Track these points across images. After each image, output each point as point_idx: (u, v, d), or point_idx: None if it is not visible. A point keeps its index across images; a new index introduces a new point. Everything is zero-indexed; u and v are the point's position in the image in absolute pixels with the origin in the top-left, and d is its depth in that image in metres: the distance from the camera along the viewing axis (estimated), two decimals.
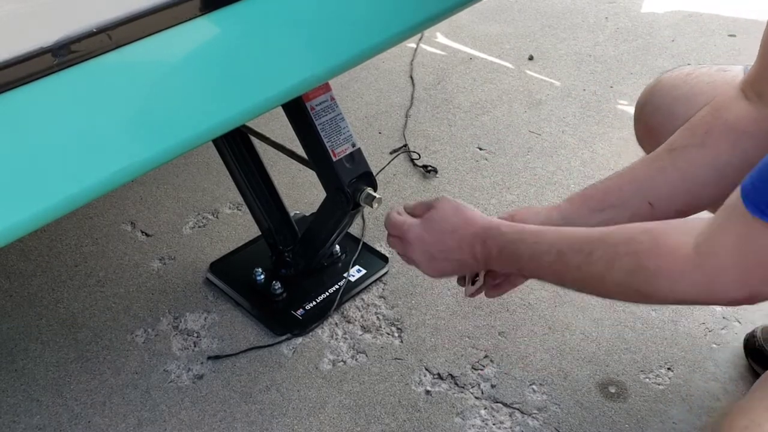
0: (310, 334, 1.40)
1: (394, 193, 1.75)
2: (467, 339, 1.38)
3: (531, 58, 2.32)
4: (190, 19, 0.76)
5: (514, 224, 0.94)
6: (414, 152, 1.86)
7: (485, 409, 1.26)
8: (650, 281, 0.76)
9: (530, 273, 0.92)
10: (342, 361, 1.35)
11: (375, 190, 1.24)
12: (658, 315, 1.42)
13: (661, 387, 1.29)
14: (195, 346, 1.38)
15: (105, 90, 0.72)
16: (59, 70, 0.67)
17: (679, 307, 1.43)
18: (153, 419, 1.25)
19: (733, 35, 2.41)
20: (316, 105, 1.19)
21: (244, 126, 1.35)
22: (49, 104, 0.68)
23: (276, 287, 1.42)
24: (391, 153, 1.87)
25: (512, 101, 2.10)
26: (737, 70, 1.01)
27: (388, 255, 1.55)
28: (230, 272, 1.51)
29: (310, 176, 1.39)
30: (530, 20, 2.55)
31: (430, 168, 1.81)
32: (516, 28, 2.51)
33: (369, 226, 1.64)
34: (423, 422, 1.24)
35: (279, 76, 0.87)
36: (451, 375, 1.32)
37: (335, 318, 1.43)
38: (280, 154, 1.37)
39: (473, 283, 1.02)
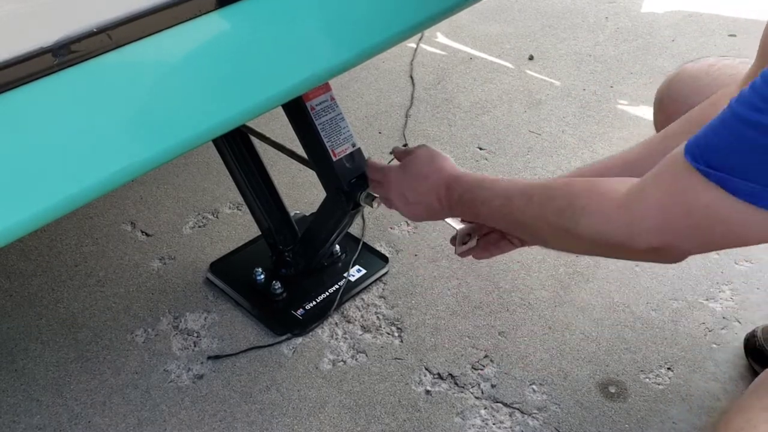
0: (310, 334, 1.40)
1: None
2: (467, 339, 1.38)
3: (531, 57, 2.32)
4: (190, 18, 0.75)
5: (477, 174, 1.02)
6: None
7: (485, 408, 1.26)
8: (577, 219, 0.79)
9: (484, 218, 0.98)
10: (342, 361, 1.35)
11: None
12: (658, 315, 1.42)
13: (661, 387, 1.29)
14: (195, 345, 1.38)
15: (105, 90, 0.72)
16: (59, 70, 0.67)
17: (680, 307, 1.43)
18: (153, 419, 1.25)
19: (733, 35, 2.41)
20: (316, 105, 1.19)
21: (244, 126, 1.35)
22: (49, 104, 0.68)
23: (276, 287, 1.42)
24: (391, 153, 1.87)
25: (512, 101, 2.10)
26: None
27: (388, 255, 1.55)
28: (230, 272, 1.51)
29: (310, 176, 1.39)
30: (530, 20, 2.55)
31: None
32: (516, 28, 2.51)
33: (369, 226, 1.64)
34: (423, 422, 1.24)
35: (279, 76, 0.87)
36: (451, 375, 1.32)
37: (335, 318, 1.43)
38: (280, 154, 1.37)
39: (464, 243, 1.09)
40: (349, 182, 1.21)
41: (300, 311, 1.41)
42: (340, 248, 1.51)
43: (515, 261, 1.54)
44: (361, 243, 1.56)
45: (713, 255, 1.54)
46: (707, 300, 1.45)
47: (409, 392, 1.29)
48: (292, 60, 0.87)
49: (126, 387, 1.31)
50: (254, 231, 1.55)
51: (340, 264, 1.51)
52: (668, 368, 1.32)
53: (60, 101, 0.69)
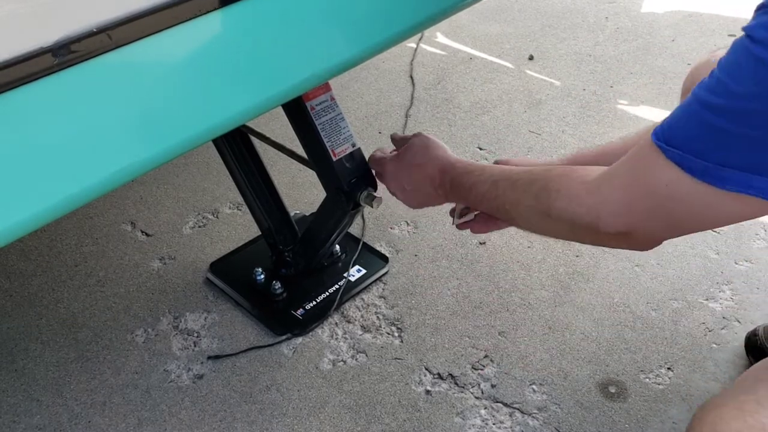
0: (310, 333, 1.40)
1: None
2: (467, 339, 1.38)
3: (531, 57, 2.32)
4: (190, 18, 0.75)
5: (468, 161, 1.05)
6: None
7: (485, 408, 1.26)
8: (551, 201, 0.83)
9: (473, 202, 1.02)
10: (342, 360, 1.35)
11: (375, 190, 1.24)
12: (658, 315, 1.42)
13: (661, 387, 1.29)
14: (195, 345, 1.38)
15: (105, 90, 0.72)
16: (59, 70, 0.67)
17: (680, 307, 1.43)
18: (153, 419, 1.25)
19: (734, 35, 2.40)
20: (316, 105, 1.19)
21: (244, 126, 1.35)
22: (49, 104, 0.68)
23: (276, 287, 1.42)
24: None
25: (512, 101, 2.10)
26: None
27: (388, 255, 1.55)
28: (230, 272, 1.51)
29: (310, 176, 1.39)
30: (530, 20, 2.55)
31: None
32: (516, 28, 2.51)
33: (369, 226, 1.64)
34: (423, 422, 1.24)
35: (279, 76, 0.87)
36: (451, 375, 1.32)
37: (335, 318, 1.43)
38: (280, 154, 1.37)
39: (461, 216, 1.13)
40: (349, 182, 1.21)
41: (300, 311, 1.41)
42: (340, 248, 1.51)
43: (515, 261, 1.54)
44: (361, 243, 1.56)
45: (713, 255, 1.54)
46: (707, 300, 1.45)
47: (409, 392, 1.29)
48: (292, 60, 0.87)
49: (126, 387, 1.31)
50: (254, 231, 1.55)
51: (340, 264, 1.51)
52: (668, 368, 1.32)
53: (60, 101, 0.69)
